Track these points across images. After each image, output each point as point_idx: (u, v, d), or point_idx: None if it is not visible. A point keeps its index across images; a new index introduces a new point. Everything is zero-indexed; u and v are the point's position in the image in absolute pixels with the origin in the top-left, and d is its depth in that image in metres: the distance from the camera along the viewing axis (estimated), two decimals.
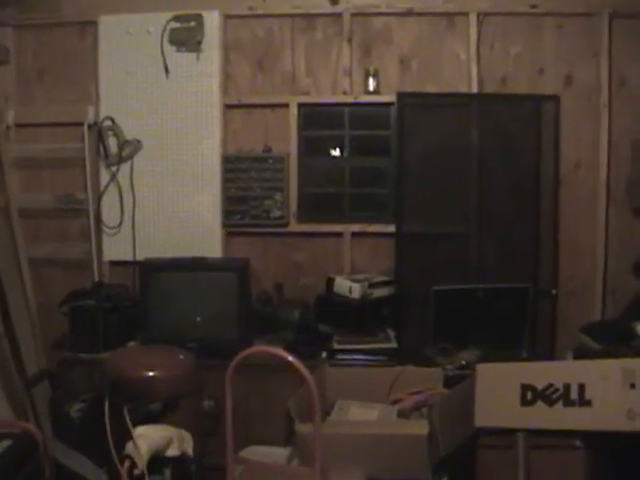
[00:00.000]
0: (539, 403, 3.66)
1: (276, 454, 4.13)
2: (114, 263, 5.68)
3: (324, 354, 4.98)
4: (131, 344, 5.15)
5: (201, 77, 5.47)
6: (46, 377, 4.73)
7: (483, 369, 3.86)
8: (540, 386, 3.66)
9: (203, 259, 5.34)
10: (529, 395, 3.68)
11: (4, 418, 4.52)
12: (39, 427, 4.36)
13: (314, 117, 5.54)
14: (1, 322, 5.10)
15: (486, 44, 5.40)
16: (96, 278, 5.59)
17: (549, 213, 5.36)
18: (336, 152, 5.58)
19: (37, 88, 5.72)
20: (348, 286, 5.12)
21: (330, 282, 5.26)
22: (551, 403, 3.64)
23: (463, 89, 5.42)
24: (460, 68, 5.43)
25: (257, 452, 4.10)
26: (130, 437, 3.66)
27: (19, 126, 5.69)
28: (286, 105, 5.49)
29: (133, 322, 5.24)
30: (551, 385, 3.64)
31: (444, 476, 3.86)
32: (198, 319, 5.09)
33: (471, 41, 5.37)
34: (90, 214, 5.62)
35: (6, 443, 3.66)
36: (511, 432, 3.75)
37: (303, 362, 3.38)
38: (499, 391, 3.76)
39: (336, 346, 5.01)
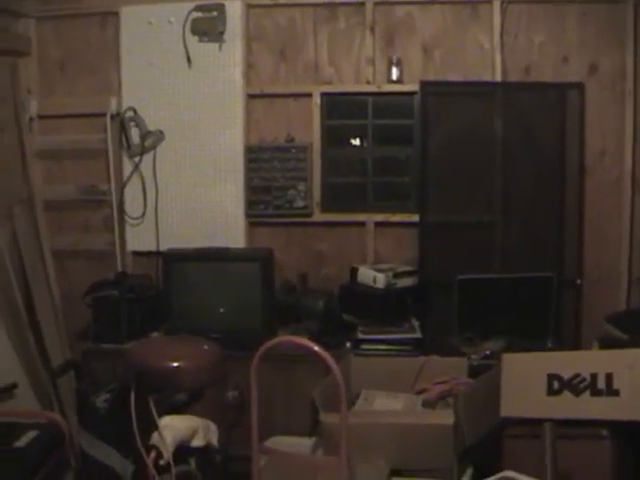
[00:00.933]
0: (566, 393, 3.64)
1: (300, 444, 4.13)
2: (137, 254, 5.70)
3: (348, 344, 4.97)
4: (154, 335, 5.16)
5: (223, 67, 5.46)
6: (71, 368, 4.75)
7: (509, 359, 3.84)
8: (567, 376, 3.64)
9: (226, 249, 5.33)
10: (555, 385, 3.66)
11: (30, 409, 4.55)
12: (64, 417, 4.37)
13: (337, 106, 5.52)
14: (25, 313, 5.14)
15: (510, 32, 5.35)
16: (119, 269, 5.60)
17: (574, 202, 5.33)
18: (359, 142, 5.55)
19: (59, 79, 5.73)
20: (372, 276, 5.11)
21: (354, 272, 5.25)
22: (578, 393, 3.61)
23: (487, 78, 5.38)
24: (484, 57, 5.39)
25: (281, 442, 4.10)
26: (155, 427, 3.65)
27: (42, 117, 5.71)
28: (309, 95, 5.48)
29: (156, 313, 5.25)
30: (578, 375, 3.62)
31: (469, 466, 3.84)
32: (221, 309, 5.09)
33: (495, 29, 5.33)
34: (113, 205, 5.64)
35: (33, 433, 3.69)
36: (537, 422, 3.73)
37: (328, 352, 3.37)
38: (525, 381, 3.74)
39: (360, 336, 5.00)
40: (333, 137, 5.54)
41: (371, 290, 5.10)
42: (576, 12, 5.33)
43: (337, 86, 5.51)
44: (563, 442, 3.71)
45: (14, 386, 4.39)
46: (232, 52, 5.45)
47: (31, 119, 5.65)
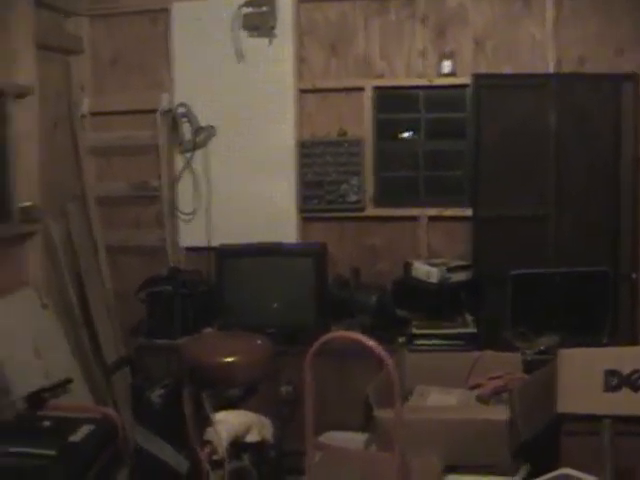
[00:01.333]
0: (624, 389, 3.59)
1: (353, 439, 4.12)
2: (189, 249, 5.71)
3: (402, 339, 4.95)
4: (207, 330, 5.16)
5: (275, 62, 5.45)
6: (126, 364, 4.77)
7: (566, 354, 3.79)
8: (625, 371, 3.59)
9: (279, 244, 5.32)
10: (613, 381, 3.61)
11: (85, 403, 4.58)
12: (117, 412, 4.39)
13: (389, 100, 5.48)
14: (79, 309, 5.18)
15: (563, 23, 5.27)
16: (171, 264, 5.61)
17: (629, 194, 5.25)
18: (411, 135, 5.52)
19: (111, 76, 5.78)
20: (426, 270, 5.08)
21: (407, 266, 5.22)
22: (637, 389, 3.57)
23: (540, 70, 5.31)
24: (536, 48, 5.31)
25: (334, 438, 4.09)
26: (210, 423, 3.66)
27: (94, 114, 5.74)
28: (361, 89, 5.45)
29: (209, 308, 5.27)
30: (636, 371, 3.57)
31: (524, 462, 3.80)
32: (275, 305, 5.10)
33: (547, 20, 5.26)
34: (165, 201, 5.65)
35: (87, 428, 3.69)
36: (594, 419, 3.69)
37: (381, 347, 3.36)
38: (582, 377, 3.69)
39: (414, 331, 4.98)
40: (385, 131, 5.51)
41: (425, 285, 5.07)
42: (631, 1, 5.24)
43: (389, 80, 5.47)
44: (622, 439, 3.67)
45: (68, 381, 4.42)
46: (283, 47, 5.44)
47: (83, 116, 5.68)
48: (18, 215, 4.70)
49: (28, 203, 4.75)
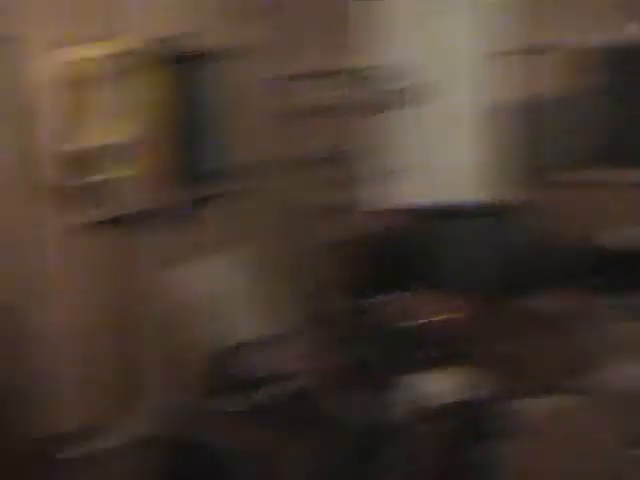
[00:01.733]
0: None
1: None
2: (384, 211, 5.67)
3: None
4: (410, 291, 5.15)
5: (481, 21, 5.28)
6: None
7: None
8: None
9: (481, 206, 5.26)
10: None
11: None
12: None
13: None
14: (278, 268, 5.26)
15: None
16: (365, 225, 5.60)
17: None
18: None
19: (301, 38, 5.76)
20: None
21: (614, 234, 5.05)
22: None
23: None
24: None
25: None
26: (418, 383, 3.68)
27: (287, 78, 5.76)
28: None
29: (404, 269, 5.24)
30: None
31: None
32: (475, 266, 5.05)
33: None
34: (361, 162, 5.66)
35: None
36: None
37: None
38: None
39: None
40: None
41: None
42: None
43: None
44: None
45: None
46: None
47: (278, 79, 5.73)
48: (225, 175, 4.79)
49: (234, 163, 4.85)
